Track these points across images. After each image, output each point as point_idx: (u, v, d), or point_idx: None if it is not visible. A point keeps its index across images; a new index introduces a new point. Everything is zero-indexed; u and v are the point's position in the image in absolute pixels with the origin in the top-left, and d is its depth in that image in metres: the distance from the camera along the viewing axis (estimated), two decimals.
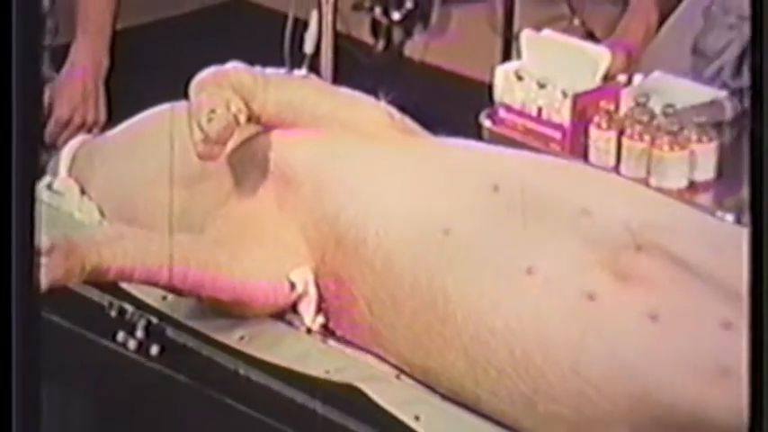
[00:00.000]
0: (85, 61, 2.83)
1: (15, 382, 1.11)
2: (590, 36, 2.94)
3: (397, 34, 3.70)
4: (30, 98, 1.12)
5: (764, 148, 0.98)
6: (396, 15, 3.63)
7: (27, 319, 1.12)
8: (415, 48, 3.98)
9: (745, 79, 2.46)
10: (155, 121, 2.06)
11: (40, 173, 2.12)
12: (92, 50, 2.84)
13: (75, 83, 2.81)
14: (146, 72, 2.33)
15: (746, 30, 2.46)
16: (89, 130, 2.73)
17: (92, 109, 2.80)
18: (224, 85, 1.87)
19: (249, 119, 1.87)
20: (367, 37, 3.65)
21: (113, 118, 2.36)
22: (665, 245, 1.68)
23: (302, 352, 1.80)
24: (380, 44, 3.63)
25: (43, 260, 1.71)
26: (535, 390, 1.64)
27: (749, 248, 1.00)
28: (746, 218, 2.10)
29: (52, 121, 2.76)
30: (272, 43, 2.68)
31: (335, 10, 2.76)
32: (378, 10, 3.56)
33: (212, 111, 1.83)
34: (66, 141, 2.66)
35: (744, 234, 1.91)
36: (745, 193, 2.13)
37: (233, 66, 1.93)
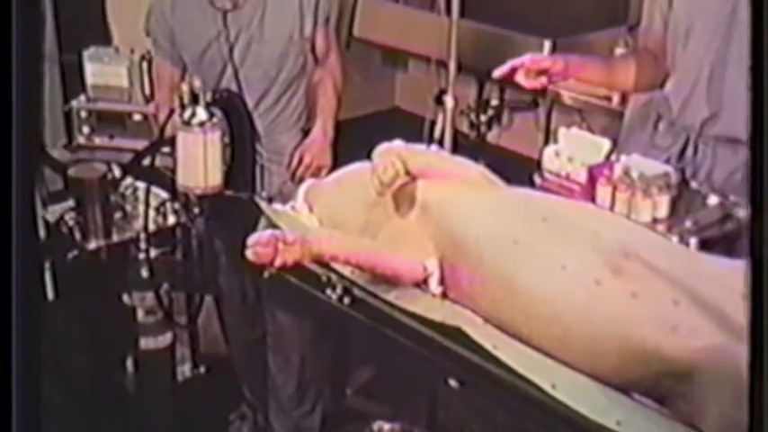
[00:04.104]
0: (320, 132, 2.88)
1: (15, 382, 0.85)
2: (591, 132, 2.91)
3: (483, 128, 3.72)
4: (30, 99, 0.82)
5: (765, 170, 0.82)
6: (482, 118, 3.66)
7: (28, 321, 0.84)
8: (493, 136, 3.99)
9: (684, 162, 2.42)
10: (351, 173, 2.07)
11: (287, 199, 2.15)
12: (323, 127, 2.89)
13: (316, 144, 2.87)
14: (338, 153, 2.32)
15: (683, 135, 2.44)
16: (320, 171, 2.78)
17: (324, 158, 2.85)
18: (392, 153, 1.88)
19: (405, 173, 1.87)
20: (466, 130, 3.67)
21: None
22: (640, 253, 1.64)
23: (430, 306, 1.77)
24: (473, 134, 3.66)
25: (289, 248, 1.74)
26: (563, 332, 1.62)
27: (749, 257, 0.83)
28: (686, 239, 2.07)
29: (302, 165, 2.82)
30: (415, 134, 2.73)
31: (452, 116, 2.78)
32: (472, 115, 3.60)
33: (385, 167, 1.84)
34: (309, 176, 2.70)
35: (681, 249, 1.90)
36: (687, 224, 2.10)
37: (397, 142, 1.93)
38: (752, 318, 0.83)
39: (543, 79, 2.29)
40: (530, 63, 2.25)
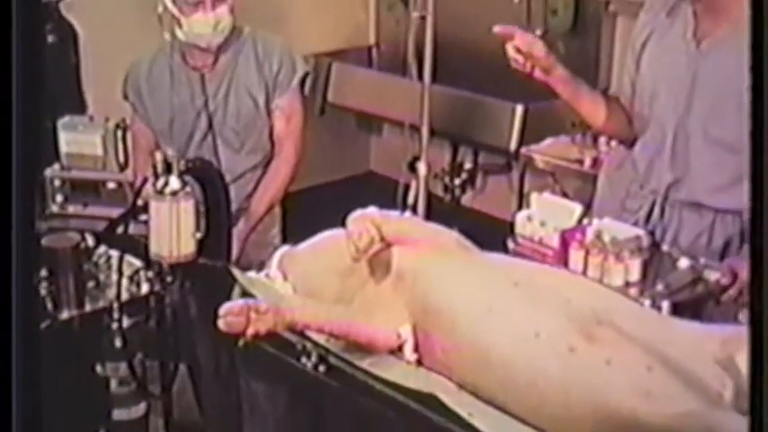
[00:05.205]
0: (253, 221, 2.92)
1: (16, 387, 0.85)
2: (565, 196, 2.93)
3: (457, 192, 3.74)
4: (30, 99, 0.78)
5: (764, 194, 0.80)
6: (456, 182, 3.68)
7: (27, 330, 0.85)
8: (467, 199, 4.00)
9: (651, 225, 2.44)
10: (326, 240, 2.06)
11: (261, 267, 2.14)
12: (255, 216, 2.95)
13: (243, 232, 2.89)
14: (312, 218, 2.29)
15: (651, 198, 2.46)
16: None
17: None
18: (366, 220, 1.88)
19: (380, 239, 1.87)
20: (441, 193, 3.67)
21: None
22: (612, 320, 1.64)
23: (404, 374, 1.76)
24: (448, 197, 3.67)
25: (262, 317, 1.72)
26: (539, 399, 1.61)
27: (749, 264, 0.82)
28: (658, 303, 2.07)
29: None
30: (389, 198, 2.71)
31: (426, 180, 2.78)
32: (447, 178, 3.61)
33: (360, 234, 1.84)
34: None
35: (654, 315, 1.90)
36: (658, 287, 2.11)
37: (371, 209, 1.93)
38: (752, 376, 0.83)
39: (528, 65, 2.30)
40: (522, 41, 2.27)
